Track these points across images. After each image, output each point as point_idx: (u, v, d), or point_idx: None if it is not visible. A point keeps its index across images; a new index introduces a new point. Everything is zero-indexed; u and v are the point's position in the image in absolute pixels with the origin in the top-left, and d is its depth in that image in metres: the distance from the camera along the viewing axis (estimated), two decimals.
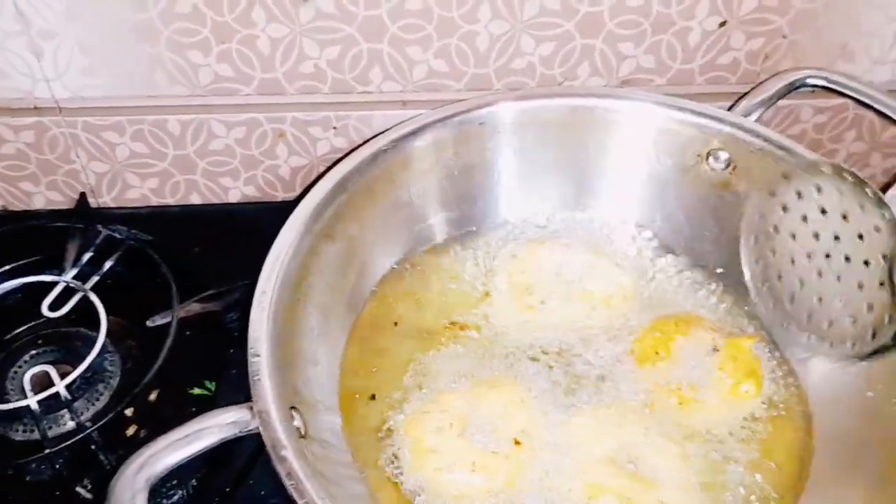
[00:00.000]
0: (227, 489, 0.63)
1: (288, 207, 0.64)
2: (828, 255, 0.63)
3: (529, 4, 0.70)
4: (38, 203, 0.83)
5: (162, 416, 0.68)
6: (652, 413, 0.63)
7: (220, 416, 0.50)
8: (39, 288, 0.72)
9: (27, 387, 0.65)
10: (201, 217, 0.84)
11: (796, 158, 0.67)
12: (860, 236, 0.60)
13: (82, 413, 0.67)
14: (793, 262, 0.66)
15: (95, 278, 0.73)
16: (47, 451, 0.62)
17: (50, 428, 0.66)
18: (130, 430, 0.67)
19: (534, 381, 0.65)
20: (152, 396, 0.69)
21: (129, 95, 0.75)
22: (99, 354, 0.67)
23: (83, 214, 0.80)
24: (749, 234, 0.69)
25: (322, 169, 0.82)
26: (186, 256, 0.77)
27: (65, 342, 0.71)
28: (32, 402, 0.64)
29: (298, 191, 0.84)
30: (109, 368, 0.70)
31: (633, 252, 0.75)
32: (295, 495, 0.47)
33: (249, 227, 0.79)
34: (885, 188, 0.61)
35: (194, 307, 0.72)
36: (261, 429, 0.50)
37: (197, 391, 0.69)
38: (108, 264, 0.74)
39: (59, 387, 0.65)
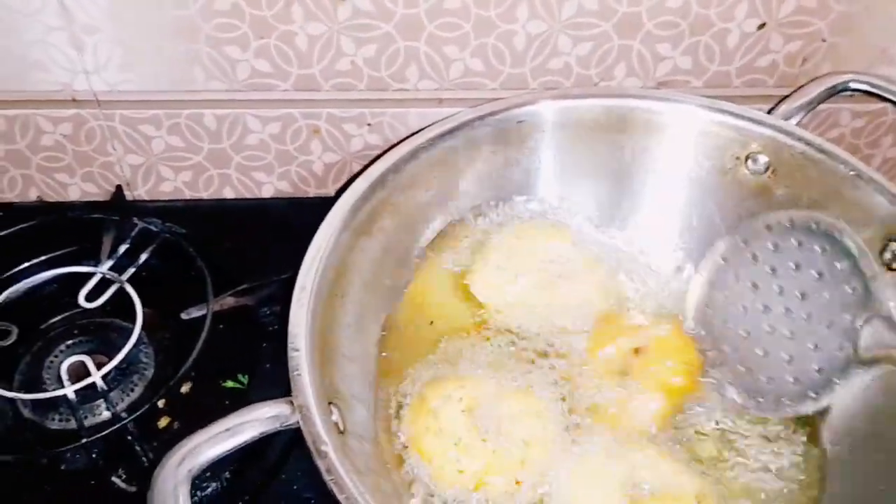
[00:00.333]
0: (261, 482, 0.63)
1: (320, 203, 0.64)
2: (787, 310, 0.63)
3: (568, 4, 0.70)
4: (73, 194, 0.84)
5: (194, 409, 0.68)
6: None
7: (260, 410, 0.50)
8: (76, 279, 0.73)
9: (64, 376, 0.65)
10: (234, 212, 0.85)
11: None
12: (831, 297, 0.60)
13: (117, 403, 0.67)
14: (744, 310, 0.65)
15: (131, 270, 0.73)
16: (84, 440, 0.63)
17: (86, 418, 0.66)
18: (163, 422, 0.67)
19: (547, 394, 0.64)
20: (185, 388, 0.69)
21: (167, 90, 0.75)
22: (134, 346, 0.67)
23: (119, 207, 0.81)
24: (708, 273, 0.69)
25: (355, 165, 0.83)
26: (219, 250, 0.77)
27: (100, 333, 0.72)
28: (70, 391, 0.65)
29: (331, 187, 0.85)
30: (144, 360, 0.71)
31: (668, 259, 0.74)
32: (335, 490, 0.47)
33: (281, 223, 0.81)
34: None
35: (228, 301, 0.72)
36: (301, 423, 0.50)
37: (230, 384, 0.69)
38: (143, 256, 0.75)
39: (96, 377, 0.65)
